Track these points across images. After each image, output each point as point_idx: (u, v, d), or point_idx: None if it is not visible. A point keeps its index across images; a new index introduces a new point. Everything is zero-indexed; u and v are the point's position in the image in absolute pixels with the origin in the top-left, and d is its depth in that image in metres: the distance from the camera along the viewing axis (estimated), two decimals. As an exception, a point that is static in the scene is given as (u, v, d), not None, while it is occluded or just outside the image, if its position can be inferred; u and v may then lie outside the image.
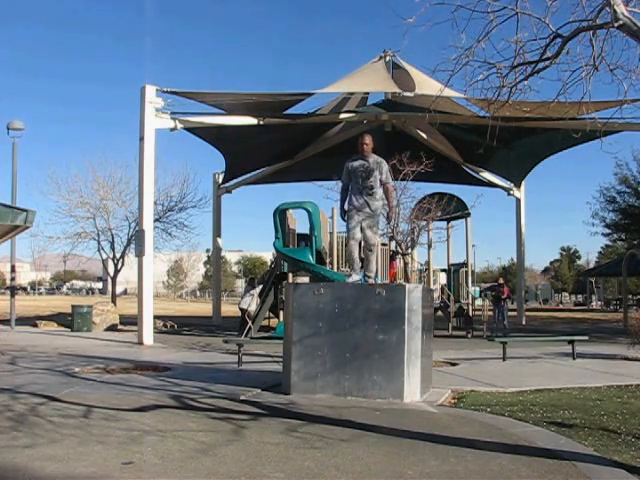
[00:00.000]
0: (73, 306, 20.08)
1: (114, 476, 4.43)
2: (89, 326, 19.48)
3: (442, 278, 23.64)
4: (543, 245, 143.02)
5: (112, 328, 20.18)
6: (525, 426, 6.13)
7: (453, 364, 11.28)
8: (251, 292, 18.23)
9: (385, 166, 8.24)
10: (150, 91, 16.38)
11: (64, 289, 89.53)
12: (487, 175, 26.81)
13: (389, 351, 7.37)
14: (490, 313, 20.72)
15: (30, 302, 43.69)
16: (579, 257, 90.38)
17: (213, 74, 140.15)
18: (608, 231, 34.17)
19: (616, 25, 5.15)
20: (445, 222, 22.25)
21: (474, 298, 24.58)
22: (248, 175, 26.91)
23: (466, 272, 23.10)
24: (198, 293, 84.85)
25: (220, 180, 26.41)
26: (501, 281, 20.52)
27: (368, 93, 22.32)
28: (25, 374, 9.38)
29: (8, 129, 20.33)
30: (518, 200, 27.40)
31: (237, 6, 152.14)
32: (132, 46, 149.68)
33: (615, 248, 53.60)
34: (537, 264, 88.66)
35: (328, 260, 17.96)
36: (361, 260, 8.61)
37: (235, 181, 26.80)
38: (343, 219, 8.55)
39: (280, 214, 16.42)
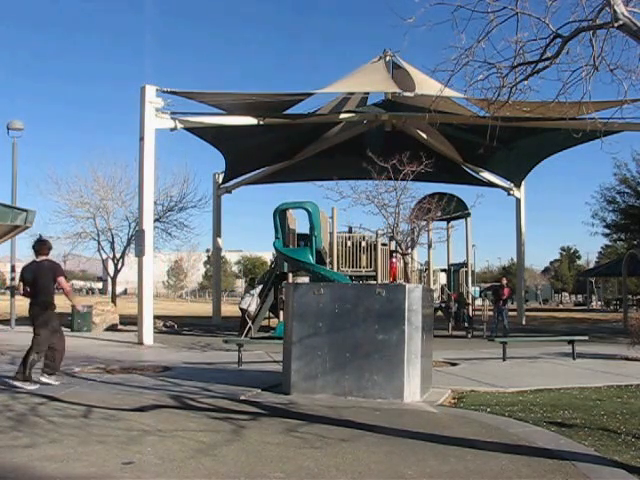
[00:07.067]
0: (73, 306, 20.05)
1: (114, 476, 4.43)
2: (89, 326, 19.47)
3: (442, 278, 23.64)
4: (543, 245, 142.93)
5: (112, 328, 20.17)
6: (525, 426, 6.13)
7: (453, 364, 11.28)
8: (251, 292, 18.22)
9: None
10: (150, 91, 16.38)
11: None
12: (487, 175, 26.81)
13: (389, 351, 7.38)
14: (490, 313, 20.70)
15: (30, 302, 43.61)
16: (579, 257, 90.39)
17: (213, 74, 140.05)
18: (608, 231, 34.12)
19: (616, 25, 5.15)
20: (445, 222, 22.24)
21: (474, 298, 24.56)
22: (248, 175, 26.91)
23: (466, 272, 23.11)
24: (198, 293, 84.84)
25: (220, 180, 26.41)
26: (503, 281, 20.36)
27: (368, 93, 22.31)
28: (25, 374, 9.36)
29: (8, 129, 20.32)
30: (518, 200, 27.39)
31: (237, 6, 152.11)
32: (132, 46, 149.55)
33: (615, 248, 53.54)
34: (537, 264, 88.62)
35: (328, 260, 17.96)
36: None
37: (235, 181, 26.80)
38: None
39: (280, 214, 16.40)
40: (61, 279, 8.31)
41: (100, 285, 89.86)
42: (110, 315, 20.97)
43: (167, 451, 5.09)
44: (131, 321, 20.04)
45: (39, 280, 8.25)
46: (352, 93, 21.47)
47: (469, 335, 18.98)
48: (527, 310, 31.40)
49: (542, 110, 9.86)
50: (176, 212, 26.72)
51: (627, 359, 12.13)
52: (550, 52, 5.71)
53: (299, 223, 17.85)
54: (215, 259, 30.26)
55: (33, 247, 8.55)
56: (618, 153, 25.79)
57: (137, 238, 17.92)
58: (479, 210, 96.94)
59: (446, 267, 23.51)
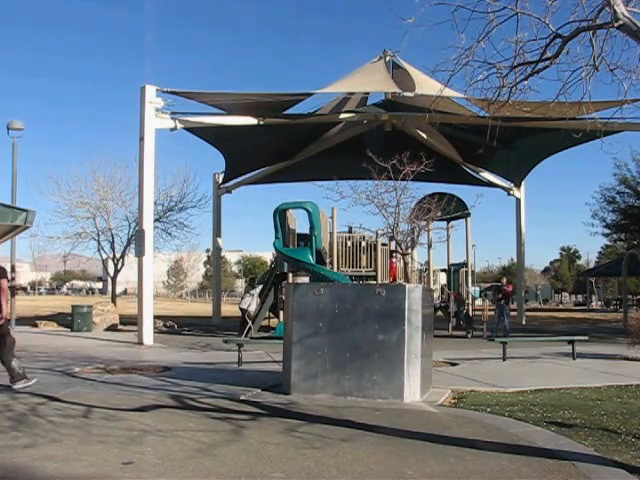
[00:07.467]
0: (73, 306, 20.08)
1: (114, 476, 4.43)
2: (89, 326, 19.48)
3: (442, 278, 23.65)
4: (543, 245, 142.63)
5: (112, 328, 20.17)
6: (525, 426, 6.13)
7: (453, 364, 11.28)
8: (251, 292, 18.22)
9: None
10: (150, 91, 16.38)
11: (64, 289, 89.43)
12: (487, 175, 26.81)
13: (389, 351, 7.38)
14: (490, 313, 20.69)
15: (30, 302, 43.67)
16: (579, 257, 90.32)
17: (213, 74, 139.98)
18: (608, 231, 34.11)
19: (616, 25, 5.15)
20: (445, 222, 22.24)
21: (474, 298, 24.55)
22: (248, 175, 26.91)
23: (466, 272, 23.11)
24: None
25: (220, 180, 26.41)
26: (504, 280, 20.24)
27: (368, 93, 22.32)
28: (25, 374, 9.35)
29: (8, 129, 20.31)
30: (518, 200, 27.39)
31: (237, 6, 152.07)
32: (132, 46, 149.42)
33: (615, 248, 53.54)
34: (537, 264, 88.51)
35: (328, 260, 17.96)
36: None
37: (235, 181, 26.80)
38: None
39: (280, 214, 16.39)
40: (3, 282, 7.90)
41: (100, 285, 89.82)
42: (110, 315, 20.98)
43: (167, 451, 5.09)
44: (131, 321, 20.04)
45: None
46: (352, 93, 21.48)
47: (469, 335, 18.98)
48: (527, 310, 31.40)
49: (542, 110, 9.87)
50: (176, 212, 26.74)
51: (627, 359, 12.13)
52: (550, 52, 5.71)
53: (299, 223, 17.87)
54: (215, 259, 30.25)
55: None
56: (618, 153, 25.88)
57: (137, 238, 17.92)
58: (479, 210, 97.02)
59: (446, 267, 23.51)
